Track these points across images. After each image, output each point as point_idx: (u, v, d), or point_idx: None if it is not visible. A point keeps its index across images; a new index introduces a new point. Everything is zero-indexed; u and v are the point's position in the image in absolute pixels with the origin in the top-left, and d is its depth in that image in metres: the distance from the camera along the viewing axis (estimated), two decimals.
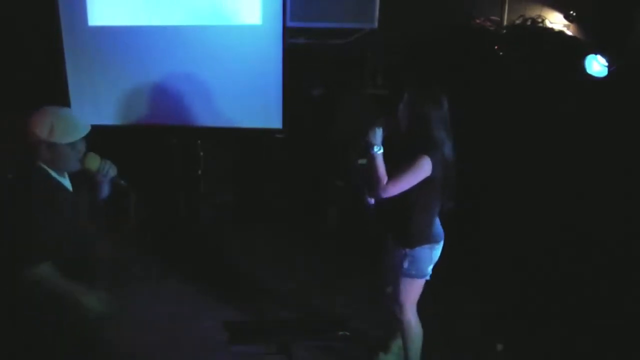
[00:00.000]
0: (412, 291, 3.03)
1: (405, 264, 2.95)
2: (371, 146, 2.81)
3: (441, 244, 3.02)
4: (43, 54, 4.71)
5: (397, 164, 2.81)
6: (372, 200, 3.06)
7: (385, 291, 3.20)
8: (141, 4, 4.50)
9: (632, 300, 3.36)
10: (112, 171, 2.58)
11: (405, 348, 3.18)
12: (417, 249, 2.93)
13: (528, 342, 3.56)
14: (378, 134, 2.82)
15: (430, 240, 2.96)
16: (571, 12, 4.10)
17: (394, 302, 3.08)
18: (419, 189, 2.80)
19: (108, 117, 4.70)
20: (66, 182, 2.52)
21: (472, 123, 3.94)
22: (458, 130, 2.89)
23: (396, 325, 3.19)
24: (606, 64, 3.51)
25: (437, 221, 3.01)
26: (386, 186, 2.79)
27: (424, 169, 2.75)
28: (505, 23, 4.46)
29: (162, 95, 4.64)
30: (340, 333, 3.55)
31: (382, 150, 2.80)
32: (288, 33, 4.54)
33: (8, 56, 4.73)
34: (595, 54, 3.56)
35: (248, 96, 4.62)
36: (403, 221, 2.94)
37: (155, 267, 4.39)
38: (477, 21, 4.55)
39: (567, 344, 3.48)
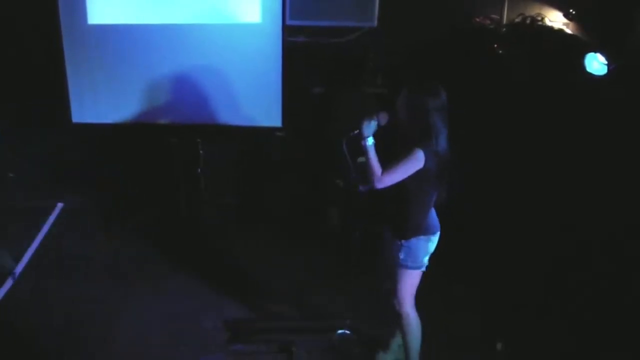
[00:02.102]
0: (409, 282, 3.06)
1: (401, 255, 2.99)
2: (363, 138, 2.85)
3: (437, 235, 3.05)
4: (43, 54, 4.71)
5: (395, 156, 2.85)
6: (364, 188, 3.09)
7: (384, 286, 3.22)
8: (141, 2, 4.49)
9: (632, 300, 3.36)
10: None
11: (404, 342, 3.18)
12: (413, 240, 2.97)
13: (528, 341, 3.56)
14: (370, 126, 2.86)
15: (425, 231, 2.99)
16: (571, 10, 4.10)
17: (392, 294, 3.10)
18: (413, 181, 2.84)
19: (108, 115, 4.71)
20: None
21: (472, 122, 3.94)
22: (458, 130, 2.90)
23: (395, 321, 3.20)
24: (606, 62, 3.51)
25: (433, 213, 3.04)
26: (381, 177, 2.83)
27: (417, 161, 2.79)
28: (504, 21, 4.46)
29: (162, 94, 4.64)
30: (340, 333, 3.58)
31: (373, 142, 2.84)
32: (288, 31, 4.54)
33: (8, 56, 4.73)
34: (595, 52, 3.56)
35: (247, 94, 4.62)
36: (398, 213, 2.99)
37: (156, 267, 4.38)
38: (477, 19, 4.54)
39: (567, 343, 3.47)
